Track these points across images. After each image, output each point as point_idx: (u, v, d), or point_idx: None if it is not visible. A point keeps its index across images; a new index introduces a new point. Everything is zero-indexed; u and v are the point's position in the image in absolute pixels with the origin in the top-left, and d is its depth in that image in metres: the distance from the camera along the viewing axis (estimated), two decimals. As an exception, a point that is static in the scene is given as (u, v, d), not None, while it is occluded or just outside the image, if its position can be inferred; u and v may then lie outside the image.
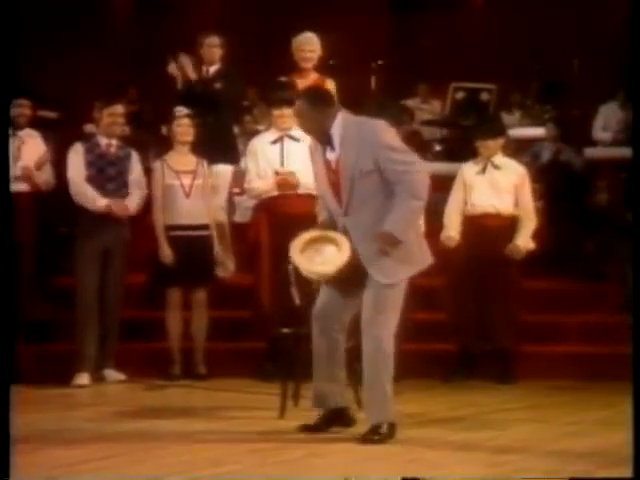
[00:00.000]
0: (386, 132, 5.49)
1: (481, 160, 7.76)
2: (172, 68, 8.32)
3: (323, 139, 5.47)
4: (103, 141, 7.63)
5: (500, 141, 7.78)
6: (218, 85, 8.34)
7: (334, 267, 5.40)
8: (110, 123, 7.60)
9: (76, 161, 7.54)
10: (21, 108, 7.64)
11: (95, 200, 7.45)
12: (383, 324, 5.42)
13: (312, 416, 5.89)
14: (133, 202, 7.59)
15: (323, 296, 5.60)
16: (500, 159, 7.75)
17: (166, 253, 7.60)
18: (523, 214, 7.67)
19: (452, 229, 7.66)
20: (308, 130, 5.59)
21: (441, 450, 5.40)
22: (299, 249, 5.49)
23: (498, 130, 7.96)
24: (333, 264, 5.40)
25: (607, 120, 10.60)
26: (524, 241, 7.62)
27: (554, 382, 7.37)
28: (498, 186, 7.68)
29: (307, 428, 5.72)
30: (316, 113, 5.47)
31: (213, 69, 8.45)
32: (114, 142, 7.65)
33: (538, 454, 5.30)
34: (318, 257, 5.46)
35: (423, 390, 7.23)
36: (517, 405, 6.70)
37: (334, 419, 5.72)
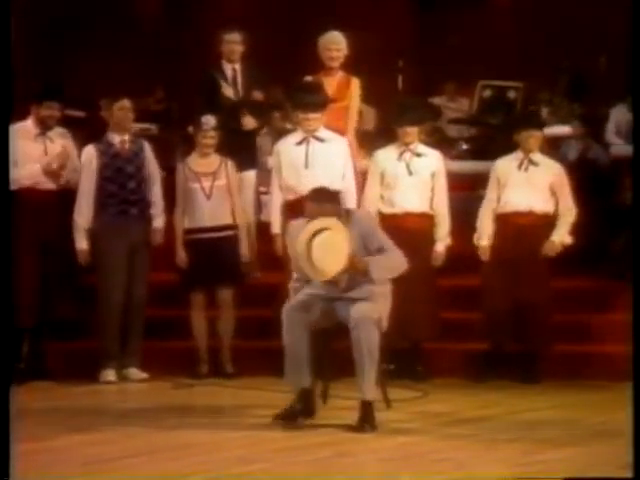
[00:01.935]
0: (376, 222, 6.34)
1: (519, 155, 7.65)
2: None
3: None
4: (116, 139, 7.64)
5: (541, 135, 7.70)
6: (258, 95, 8.36)
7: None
8: (122, 118, 7.61)
9: (87, 172, 7.56)
10: (51, 110, 7.66)
11: (79, 240, 7.52)
12: (376, 319, 5.89)
13: (342, 415, 5.93)
14: (160, 226, 7.64)
15: (302, 297, 5.95)
16: (538, 156, 7.66)
17: (181, 257, 7.65)
18: (563, 209, 7.58)
19: (485, 236, 7.60)
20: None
21: (469, 450, 5.41)
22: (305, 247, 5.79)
23: (541, 123, 7.88)
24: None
25: (618, 123, 10.53)
26: (561, 236, 7.55)
27: (582, 382, 7.34)
28: (534, 183, 7.57)
29: (279, 417, 5.89)
30: (338, 209, 6.01)
31: (239, 68, 8.44)
32: (127, 138, 7.67)
33: (567, 454, 5.30)
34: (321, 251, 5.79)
35: (452, 389, 7.21)
36: (546, 405, 6.68)
37: (302, 403, 5.89)
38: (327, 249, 5.77)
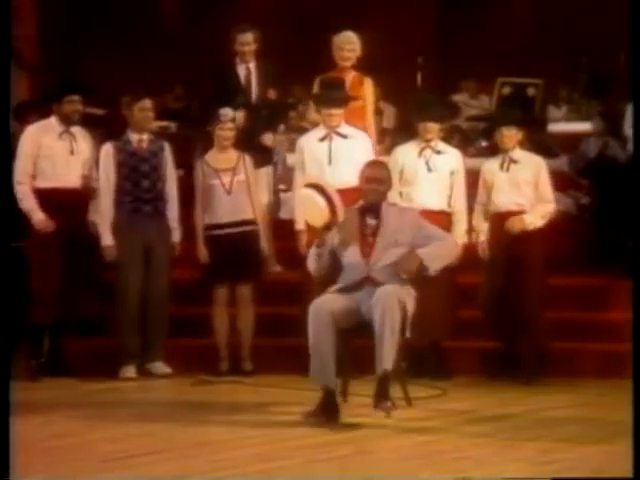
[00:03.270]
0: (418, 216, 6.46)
1: (500, 156, 7.57)
2: None
3: (379, 204, 6.25)
4: (134, 137, 7.66)
5: (519, 132, 7.53)
6: (272, 93, 8.35)
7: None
8: (142, 118, 7.64)
9: (106, 169, 7.60)
10: (73, 104, 7.67)
11: (104, 236, 7.56)
12: (401, 298, 6.05)
13: (361, 412, 5.92)
14: (177, 240, 7.68)
15: (329, 294, 6.09)
16: (517, 153, 7.55)
17: (203, 253, 7.67)
18: (540, 199, 7.48)
19: (481, 234, 7.58)
20: (380, 193, 6.30)
21: (488, 448, 5.40)
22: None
23: (515, 118, 7.71)
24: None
25: None
26: (533, 217, 7.43)
27: (601, 380, 7.32)
28: (517, 182, 7.50)
29: (309, 415, 5.91)
30: (390, 176, 6.46)
31: (253, 66, 8.42)
32: (145, 137, 7.69)
33: (586, 453, 5.29)
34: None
35: (470, 387, 7.20)
36: (565, 403, 6.66)
37: (328, 403, 5.91)
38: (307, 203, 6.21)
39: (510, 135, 7.53)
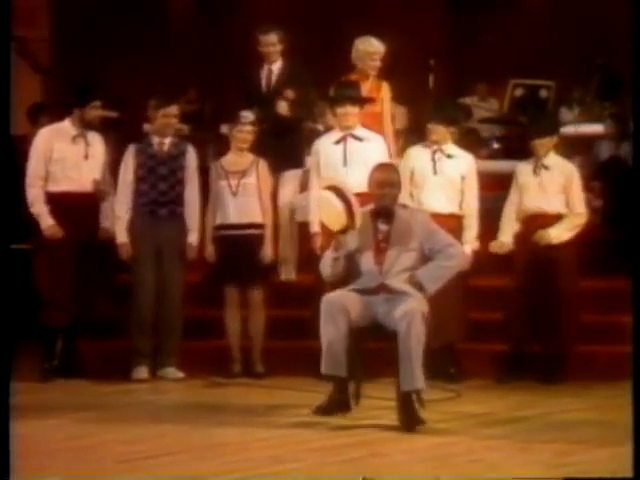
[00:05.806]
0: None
1: (534, 160, 7.62)
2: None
3: (391, 208, 6.20)
4: (155, 140, 7.68)
5: (552, 139, 7.62)
6: (290, 94, 8.29)
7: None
8: (165, 124, 7.66)
9: (125, 169, 7.63)
10: (96, 110, 7.67)
11: (119, 234, 7.58)
12: (424, 313, 6.04)
13: (374, 415, 5.92)
14: (194, 242, 7.67)
15: (342, 291, 6.12)
16: (551, 159, 7.60)
17: (210, 252, 7.69)
18: (570, 211, 7.53)
19: (505, 234, 7.61)
20: (392, 197, 6.24)
21: (502, 451, 5.40)
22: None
23: (552, 128, 7.81)
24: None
25: None
26: (558, 232, 7.47)
27: (617, 383, 7.29)
28: (545, 187, 7.54)
29: (318, 410, 6.01)
30: (400, 180, 6.40)
31: (276, 67, 8.42)
32: (167, 140, 7.70)
33: (601, 456, 5.28)
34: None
35: (485, 390, 7.20)
36: (580, 406, 6.65)
37: (339, 395, 5.98)
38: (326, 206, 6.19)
39: (543, 144, 7.57)
